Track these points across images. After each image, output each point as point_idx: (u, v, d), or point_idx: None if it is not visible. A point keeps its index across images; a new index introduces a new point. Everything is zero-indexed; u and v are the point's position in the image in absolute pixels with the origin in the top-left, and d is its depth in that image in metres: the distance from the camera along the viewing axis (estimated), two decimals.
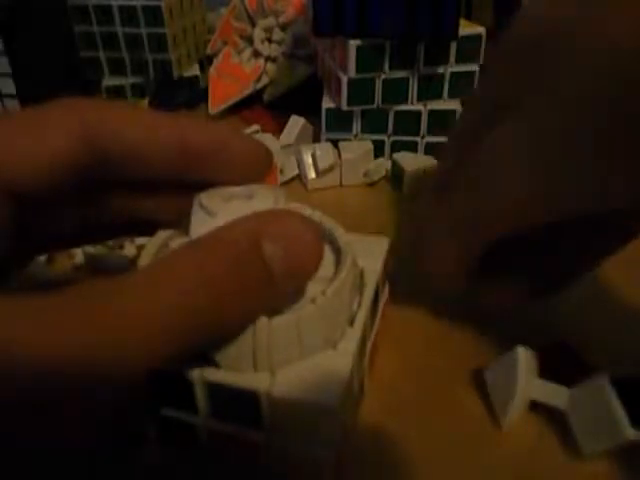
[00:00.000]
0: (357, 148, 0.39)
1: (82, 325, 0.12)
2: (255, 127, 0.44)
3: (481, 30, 0.38)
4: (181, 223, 0.19)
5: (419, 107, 0.39)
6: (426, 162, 0.38)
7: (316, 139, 0.43)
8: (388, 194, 0.39)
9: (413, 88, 0.39)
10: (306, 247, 0.16)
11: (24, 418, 0.12)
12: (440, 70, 0.38)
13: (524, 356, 0.21)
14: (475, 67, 0.39)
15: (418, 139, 0.41)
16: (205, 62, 0.56)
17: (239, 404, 0.16)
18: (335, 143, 0.40)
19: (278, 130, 0.43)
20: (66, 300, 0.13)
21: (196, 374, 0.16)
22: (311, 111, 0.42)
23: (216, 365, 0.16)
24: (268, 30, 0.50)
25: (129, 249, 0.31)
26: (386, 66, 0.37)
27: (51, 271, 0.29)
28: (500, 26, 0.48)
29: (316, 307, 0.17)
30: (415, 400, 0.22)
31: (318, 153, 0.39)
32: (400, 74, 0.38)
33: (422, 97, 0.39)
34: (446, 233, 0.21)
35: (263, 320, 0.16)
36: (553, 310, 0.26)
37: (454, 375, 0.23)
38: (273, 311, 0.16)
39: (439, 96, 0.39)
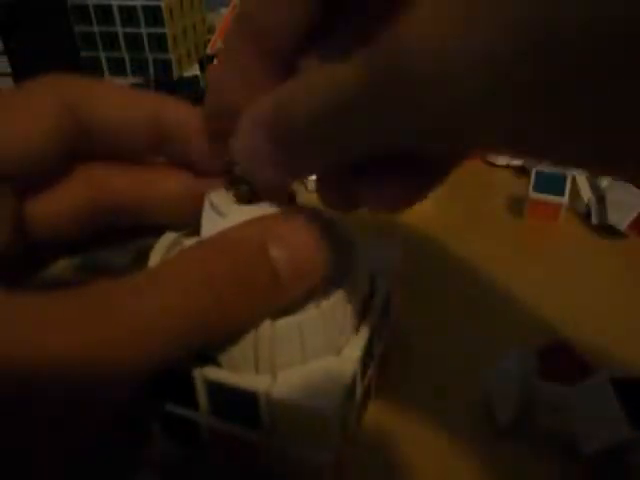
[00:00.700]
0: None
1: (84, 325, 0.12)
2: None
3: None
4: (189, 225, 0.19)
5: None
6: None
7: None
8: None
9: None
10: (313, 250, 0.16)
11: (24, 417, 0.12)
12: None
13: (524, 356, 0.21)
14: None
15: None
16: (205, 62, 0.56)
17: (239, 404, 0.16)
18: None
19: None
20: (69, 301, 0.13)
21: (197, 372, 0.16)
22: None
23: (218, 364, 0.16)
24: None
25: (129, 249, 0.31)
26: None
27: (51, 271, 0.29)
28: None
29: (319, 311, 0.17)
30: (415, 400, 0.22)
31: None
32: None
33: None
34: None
35: (266, 321, 0.16)
36: (553, 310, 0.26)
37: (454, 375, 0.23)
38: (279, 313, 0.16)
39: None
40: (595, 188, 0.35)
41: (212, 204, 0.17)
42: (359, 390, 0.19)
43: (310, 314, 0.16)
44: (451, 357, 0.24)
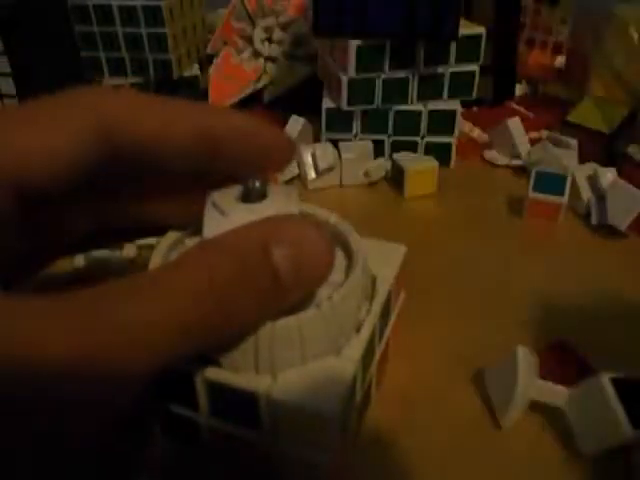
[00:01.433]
0: (357, 148, 0.39)
1: (84, 327, 0.12)
2: None
3: (481, 30, 0.38)
4: (191, 225, 0.19)
5: (419, 107, 0.39)
6: (426, 162, 0.38)
7: (316, 139, 0.43)
8: (388, 194, 0.39)
9: (413, 88, 0.39)
10: (316, 254, 0.16)
11: (24, 417, 0.12)
12: (440, 70, 0.38)
13: (524, 356, 0.21)
14: (475, 67, 0.39)
15: (418, 139, 0.41)
16: (205, 62, 0.56)
17: (239, 404, 0.16)
18: (335, 143, 0.40)
19: None
20: (71, 302, 0.13)
21: (197, 373, 0.16)
22: (311, 111, 0.42)
23: (218, 364, 0.16)
24: (268, 30, 0.50)
25: (129, 250, 0.31)
26: (386, 66, 0.37)
27: (51, 272, 0.29)
28: (500, 26, 0.47)
29: (320, 312, 0.16)
30: (416, 400, 0.22)
31: (318, 153, 0.39)
32: (400, 74, 0.38)
33: (422, 97, 0.39)
34: None
35: (266, 322, 0.16)
36: (553, 310, 0.26)
37: (454, 375, 0.23)
38: (281, 314, 0.16)
39: (439, 96, 0.39)
40: (595, 188, 0.35)
41: (214, 203, 0.17)
42: (359, 390, 0.19)
43: (310, 314, 0.16)
44: (451, 357, 0.24)
